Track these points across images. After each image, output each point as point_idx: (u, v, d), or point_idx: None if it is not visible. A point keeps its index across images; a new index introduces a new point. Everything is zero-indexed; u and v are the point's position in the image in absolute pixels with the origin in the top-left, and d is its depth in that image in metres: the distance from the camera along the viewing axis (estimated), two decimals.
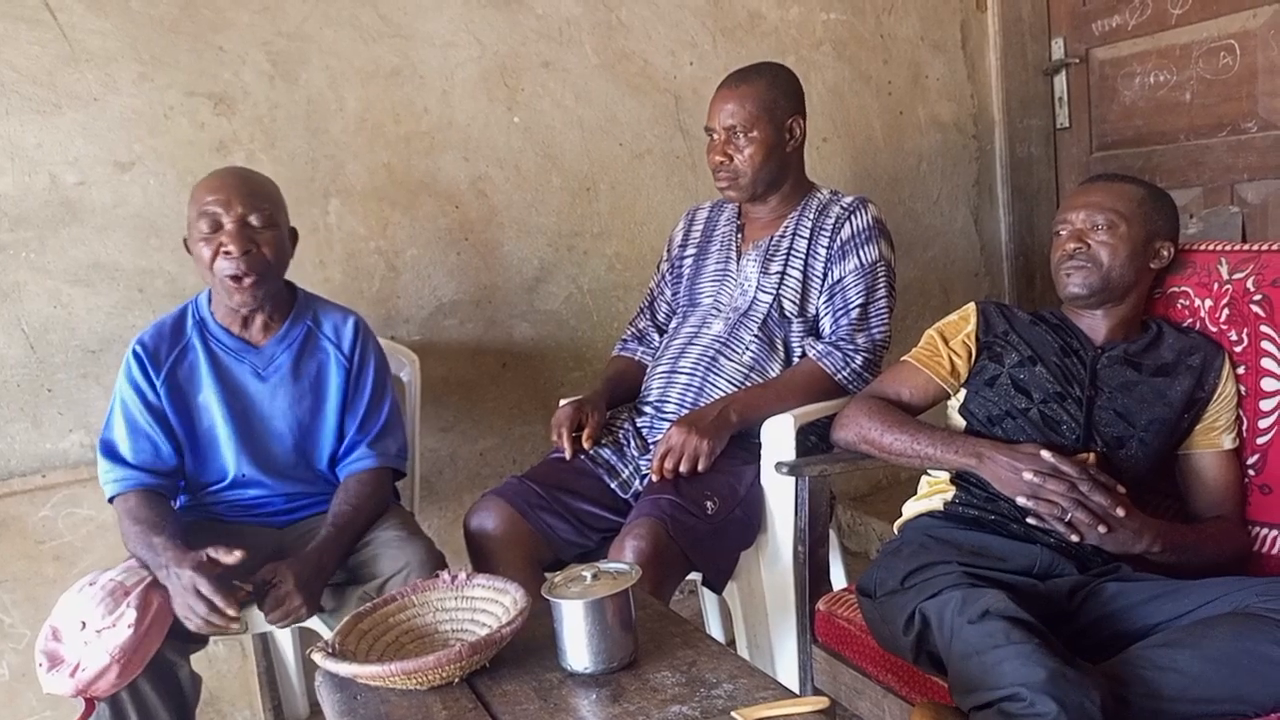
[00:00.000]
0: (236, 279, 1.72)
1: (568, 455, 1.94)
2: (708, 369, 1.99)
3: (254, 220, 1.73)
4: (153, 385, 1.77)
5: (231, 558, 1.57)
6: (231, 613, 1.56)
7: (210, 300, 1.84)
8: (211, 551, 1.58)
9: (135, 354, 1.78)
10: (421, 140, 2.36)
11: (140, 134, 2.10)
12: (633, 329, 2.25)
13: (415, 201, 2.38)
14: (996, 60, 3.10)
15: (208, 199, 1.71)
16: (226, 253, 1.70)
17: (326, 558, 1.69)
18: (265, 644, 2.20)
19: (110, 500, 1.76)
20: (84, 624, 1.46)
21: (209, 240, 1.71)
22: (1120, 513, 1.43)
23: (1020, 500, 1.47)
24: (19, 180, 2.01)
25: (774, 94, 2.00)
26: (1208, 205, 2.63)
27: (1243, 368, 1.63)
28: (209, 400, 1.79)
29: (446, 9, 2.36)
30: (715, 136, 2.02)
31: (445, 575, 1.42)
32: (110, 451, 1.76)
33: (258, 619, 1.74)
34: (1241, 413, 1.63)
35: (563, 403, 2.05)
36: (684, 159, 2.66)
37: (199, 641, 1.68)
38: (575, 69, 2.52)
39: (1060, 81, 2.96)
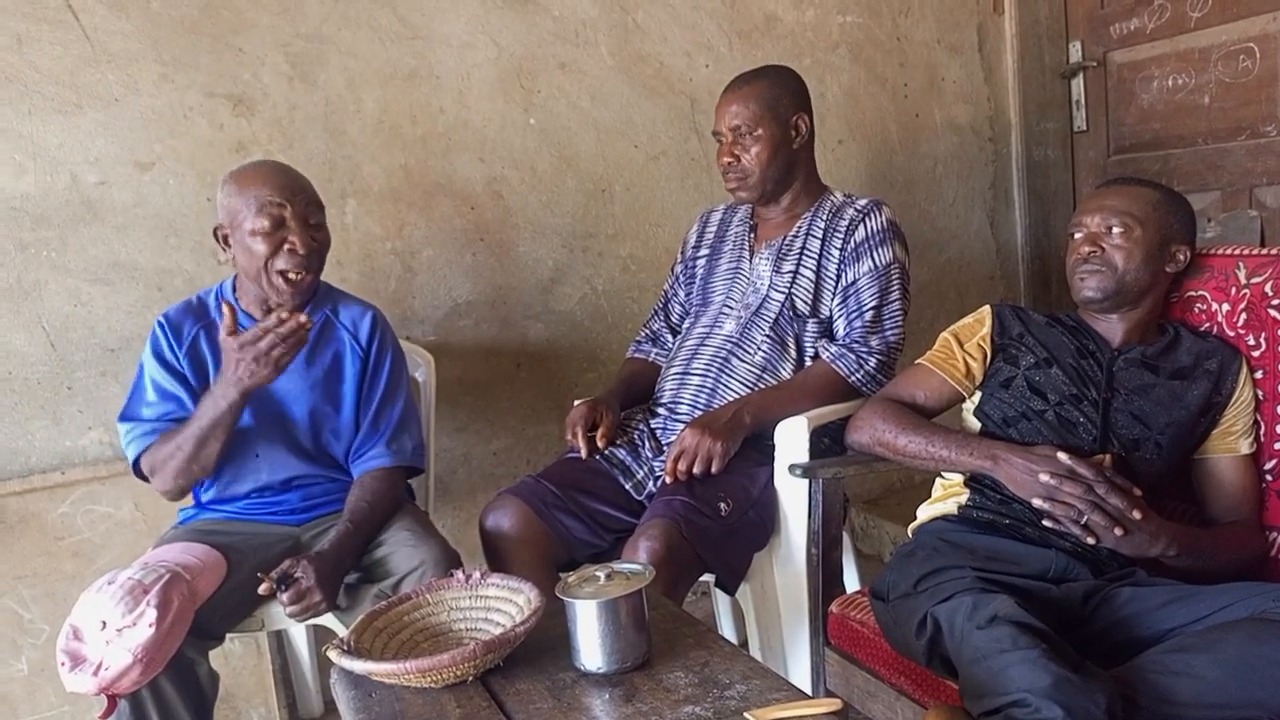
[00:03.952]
0: (294, 278, 1.76)
1: (583, 454, 1.95)
2: (720, 370, 1.99)
3: (312, 219, 1.78)
4: (176, 357, 1.81)
5: (227, 321, 1.65)
6: (285, 315, 1.64)
7: (235, 287, 1.87)
8: (221, 333, 1.66)
9: (160, 325, 1.83)
10: (438, 141, 2.38)
11: (160, 134, 2.12)
12: (647, 330, 2.26)
13: (431, 202, 2.39)
14: (1013, 63, 3.09)
15: (268, 195, 1.73)
16: (291, 251, 1.74)
17: (345, 553, 1.71)
18: (280, 642, 2.21)
19: (136, 462, 1.79)
20: (104, 623, 1.47)
21: (269, 237, 1.74)
22: (1137, 515, 1.42)
23: (1036, 502, 1.47)
24: (41, 180, 2.04)
25: (776, 92, 2.01)
26: (1226, 209, 2.62)
27: (1260, 372, 1.62)
28: None
29: (463, 11, 2.37)
30: (723, 140, 2.04)
31: (459, 574, 1.43)
32: (131, 417, 1.81)
33: (274, 615, 1.76)
34: (1259, 417, 1.62)
35: (577, 403, 2.06)
36: (699, 161, 2.66)
37: (217, 639, 1.69)
38: (591, 71, 2.53)
39: (1077, 84, 2.95)
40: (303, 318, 1.63)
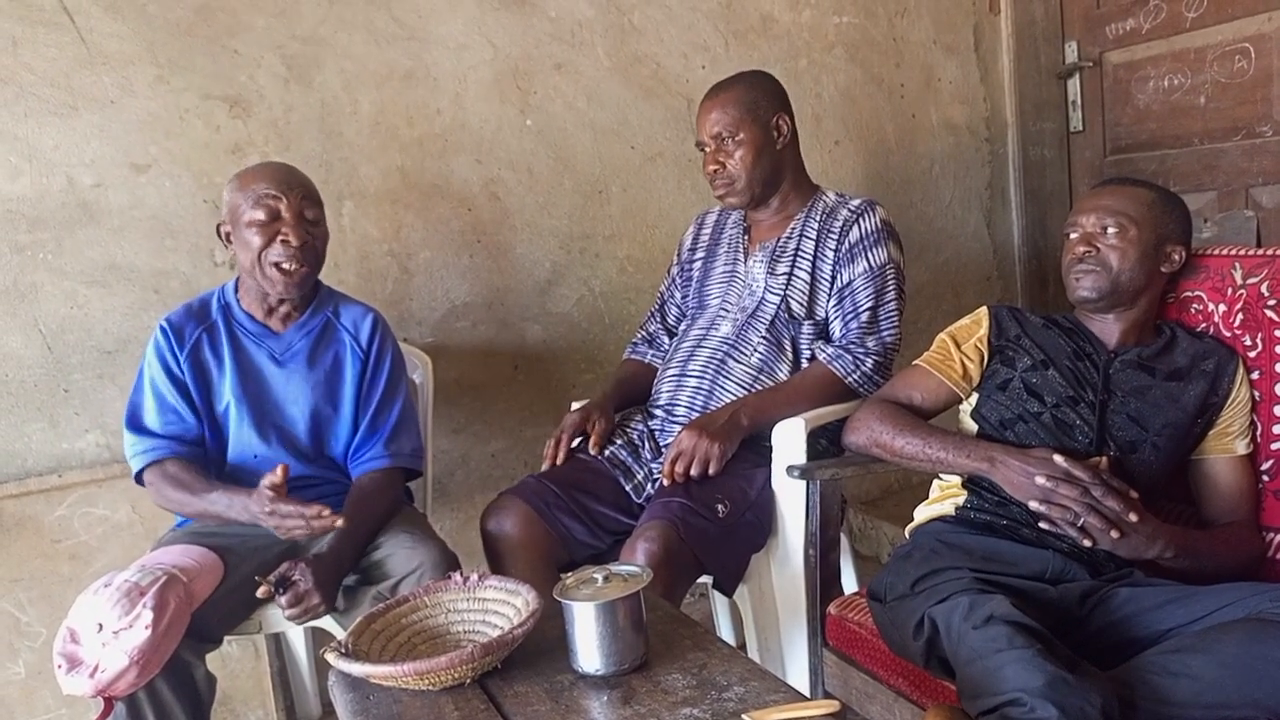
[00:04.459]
0: (287, 269, 1.77)
1: (546, 465, 1.96)
2: (717, 372, 1.99)
3: (308, 214, 1.80)
4: (177, 361, 1.81)
5: (276, 477, 1.62)
6: (326, 514, 1.61)
7: (236, 289, 1.88)
8: (265, 481, 1.64)
9: (162, 330, 1.83)
10: (434, 143, 2.38)
11: (156, 136, 2.12)
12: (643, 332, 2.26)
13: (428, 204, 2.39)
14: (1010, 63, 3.09)
15: (265, 189, 1.76)
16: (285, 241, 1.76)
17: (343, 556, 1.71)
18: (278, 644, 2.21)
19: (140, 473, 1.80)
20: (101, 626, 1.47)
21: (264, 229, 1.76)
22: (1133, 518, 1.42)
23: (1032, 505, 1.47)
24: (37, 182, 2.03)
25: (754, 95, 2.02)
26: (1222, 209, 2.62)
27: (1257, 373, 1.62)
28: (226, 381, 1.83)
29: (459, 12, 2.37)
30: (706, 149, 2.05)
31: (457, 576, 1.43)
32: (136, 426, 1.81)
33: (272, 618, 1.76)
34: (1255, 418, 1.62)
35: (574, 405, 2.06)
36: (695, 162, 2.65)
37: (214, 641, 1.69)
38: (587, 72, 2.53)
39: (1074, 85, 2.95)
40: (340, 521, 1.63)
